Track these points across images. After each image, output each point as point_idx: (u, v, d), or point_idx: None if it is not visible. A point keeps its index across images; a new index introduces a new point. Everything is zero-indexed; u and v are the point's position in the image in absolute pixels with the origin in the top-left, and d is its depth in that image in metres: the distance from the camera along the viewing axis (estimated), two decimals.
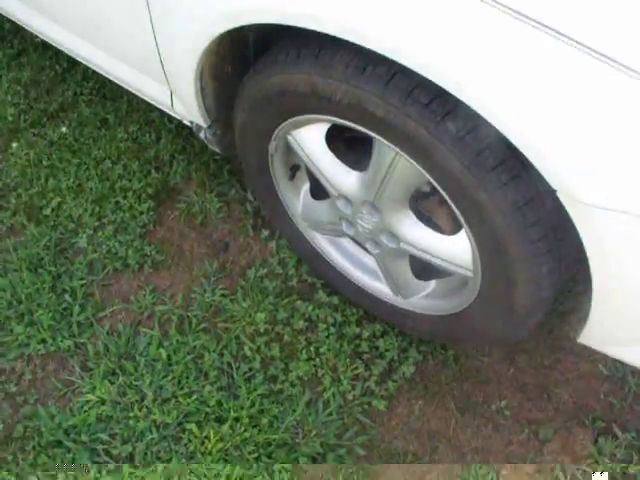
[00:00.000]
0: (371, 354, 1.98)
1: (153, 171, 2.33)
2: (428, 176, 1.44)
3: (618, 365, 1.96)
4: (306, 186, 1.95)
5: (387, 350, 1.98)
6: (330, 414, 1.89)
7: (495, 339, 1.81)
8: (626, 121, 1.11)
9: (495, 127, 1.23)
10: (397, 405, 1.92)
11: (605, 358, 1.97)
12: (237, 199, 2.30)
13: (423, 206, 1.67)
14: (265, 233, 2.22)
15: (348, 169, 1.68)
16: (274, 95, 1.58)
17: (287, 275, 2.15)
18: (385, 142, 1.45)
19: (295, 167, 1.91)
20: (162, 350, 1.96)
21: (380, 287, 1.98)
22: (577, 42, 1.07)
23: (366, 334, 2.00)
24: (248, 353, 1.98)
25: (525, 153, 1.20)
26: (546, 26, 1.08)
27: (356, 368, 1.96)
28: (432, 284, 1.86)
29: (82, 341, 2.01)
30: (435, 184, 1.44)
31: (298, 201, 1.97)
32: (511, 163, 1.32)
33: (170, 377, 1.92)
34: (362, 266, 2.01)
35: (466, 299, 1.71)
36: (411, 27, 1.20)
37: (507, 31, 1.12)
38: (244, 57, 1.82)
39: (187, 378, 1.93)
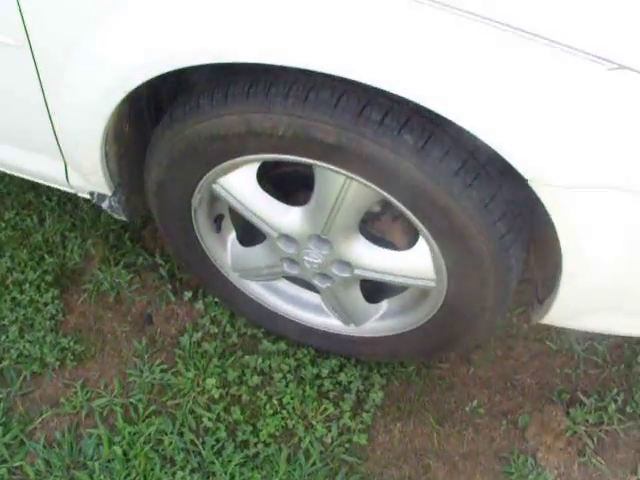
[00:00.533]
0: (336, 390, 1.90)
1: (46, 256, 2.09)
2: (386, 194, 1.40)
3: (562, 337, 2.05)
4: (232, 235, 1.84)
5: (350, 382, 1.91)
6: (314, 464, 1.79)
7: (466, 344, 1.80)
8: (581, 100, 1.16)
9: (454, 129, 1.23)
10: (377, 434, 1.86)
11: (550, 334, 2.05)
12: (147, 266, 2.13)
13: (374, 227, 1.64)
14: (188, 295, 2.07)
15: (286, 206, 1.60)
16: (201, 143, 1.47)
17: (224, 333, 2.01)
18: (334, 169, 1.40)
19: (219, 217, 1.80)
20: (115, 447, 1.75)
21: (328, 321, 1.91)
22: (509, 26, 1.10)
23: (325, 372, 1.92)
24: (209, 424, 1.82)
25: (497, 149, 1.22)
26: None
27: (325, 409, 1.87)
28: (384, 305, 1.82)
29: (17, 464, 1.74)
30: (394, 201, 1.40)
31: (226, 252, 1.85)
32: (472, 163, 1.33)
33: (133, 475, 1.71)
34: (304, 304, 1.93)
35: (428, 310, 1.69)
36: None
37: (447, 28, 1.13)
38: (138, 115, 1.70)
39: (152, 470, 1.73)
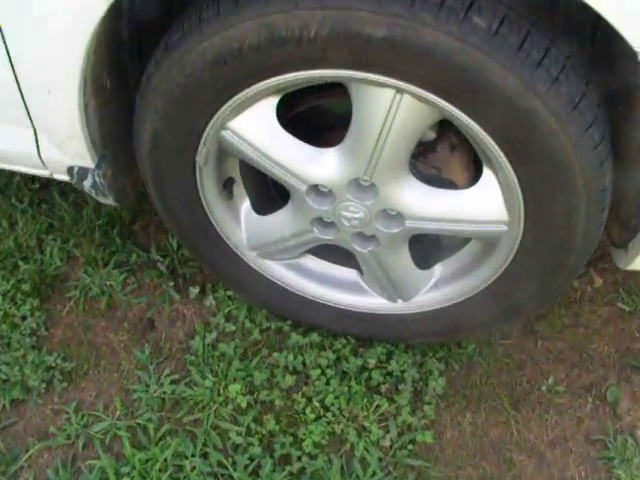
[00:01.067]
0: (388, 383, 1.57)
1: (20, 263, 1.74)
2: (449, 106, 1.10)
3: (634, 297, 1.76)
4: (246, 203, 1.53)
5: (403, 371, 1.58)
6: (374, 474, 1.44)
7: (540, 305, 1.49)
8: None
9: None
10: (444, 430, 1.53)
11: (619, 295, 1.75)
12: (143, 264, 1.79)
13: (427, 163, 1.33)
14: (194, 291, 1.74)
15: (316, 149, 1.30)
16: (207, 69, 1.16)
17: (244, 330, 1.68)
18: (381, 80, 1.10)
19: (229, 182, 1.48)
20: None
21: (369, 301, 1.59)
22: None
23: (371, 362, 1.59)
24: (238, 440, 1.47)
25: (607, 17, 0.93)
26: None
27: (378, 406, 1.53)
28: (436, 270, 1.51)
29: None
30: (458, 114, 1.10)
31: (240, 225, 1.53)
32: (556, 52, 1.05)
33: None
34: (339, 284, 1.61)
35: (495, 267, 1.38)
36: None
37: None
38: (120, 68, 1.39)
39: None
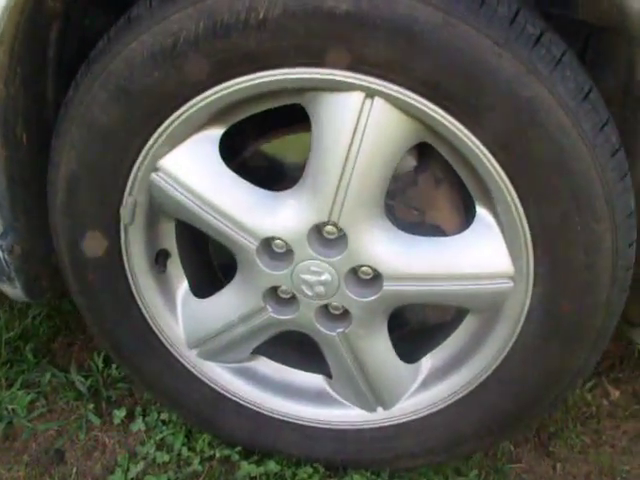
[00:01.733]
0: None
1: None
2: (432, 109, 0.88)
3: None
4: (183, 286, 1.23)
5: None
6: None
7: (556, 399, 1.16)
8: None
9: None
10: None
11: None
12: (58, 385, 1.43)
13: (406, 203, 1.08)
14: (120, 415, 1.37)
15: (271, 192, 1.05)
16: (135, 77, 0.94)
17: (180, 460, 1.29)
18: (346, 79, 0.89)
19: (163, 255, 1.20)
20: None
21: (339, 413, 1.26)
22: None
23: None
24: None
25: None
26: None
27: None
28: (424, 364, 1.20)
29: None
30: (446, 123, 0.89)
31: (175, 314, 1.22)
32: (553, 35, 0.87)
33: None
34: (301, 393, 1.28)
35: (500, 345, 1.09)
36: None
37: None
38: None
39: None
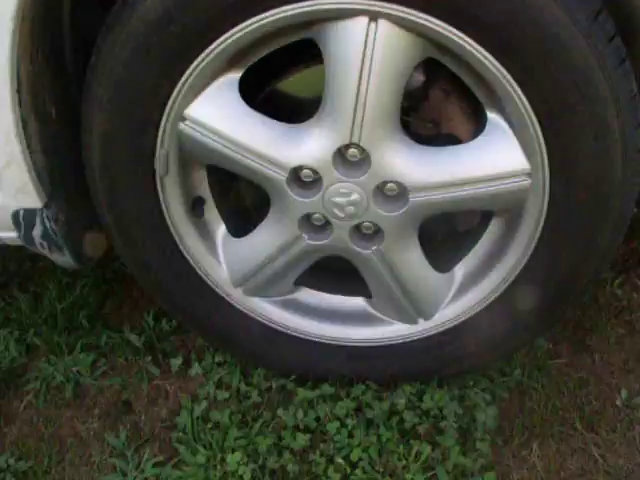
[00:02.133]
0: (426, 422, 1.25)
1: None
2: (434, 23, 0.93)
3: None
4: (222, 228, 1.30)
5: (442, 408, 1.27)
6: None
7: (587, 283, 1.21)
8: None
9: None
10: (509, 470, 1.20)
11: None
12: (115, 345, 1.52)
13: (420, 117, 1.14)
14: (177, 362, 1.45)
15: (292, 125, 1.11)
16: (153, 33, 1.00)
17: (240, 394, 1.38)
18: (351, 5, 0.95)
19: (199, 202, 1.27)
20: None
21: (383, 330, 1.32)
22: None
23: (400, 402, 1.28)
24: None
25: None
26: None
27: (419, 453, 1.20)
28: (457, 272, 1.27)
29: None
30: (449, 35, 0.94)
31: (217, 256, 1.29)
32: None
33: None
34: (344, 316, 1.35)
35: (526, 241, 1.15)
36: None
37: None
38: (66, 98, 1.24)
39: None
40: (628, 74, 1.00)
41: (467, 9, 0.93)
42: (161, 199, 1.20)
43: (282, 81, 1.17)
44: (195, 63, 1.04)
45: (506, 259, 1.20)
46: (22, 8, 1.01)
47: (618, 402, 1.28)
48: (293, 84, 1.17)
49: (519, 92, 0.99)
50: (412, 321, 1.29)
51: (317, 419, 1.29)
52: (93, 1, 1.18)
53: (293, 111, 1.16)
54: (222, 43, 1.02)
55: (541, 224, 1.12)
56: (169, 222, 1.23)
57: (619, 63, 0.97)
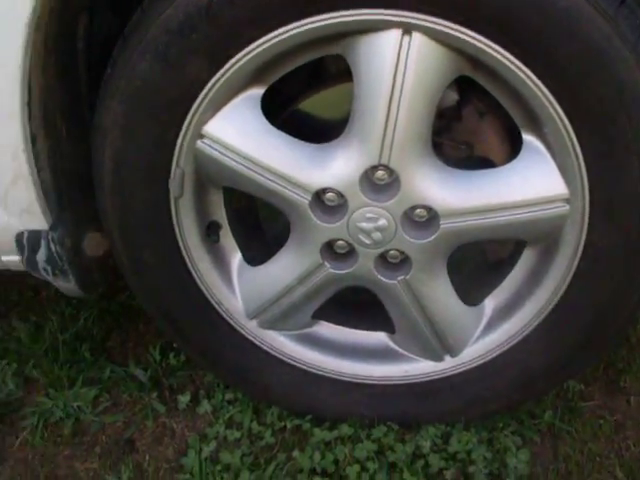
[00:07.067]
0: (453, 466, 1.16)
1: None
2: (471, 36, 0.89)
3: None
4: (237, 257, 1.23)
5: (470, 452, 1.18)
6: None
7: (618, 329, 1.15)
8: None
9: None
10: None
11: None
12: (119, 379, 1.43)
13: (453, 138, 1.08)
14: (184, 399, 1.36)
15: (318, 145, 1.05)
16: (173, 42, 0.95)
17: (251, 435, 1.29)
18: (383, 17, 0.90)
19: (214, 227, 1.21)
20: None
21: (407, 368, 1.24)
22: None
23: (425, 445, 1.20)
24: None
25: None
26: None
27: None
28: (487, 305, 1.20)
29: None
30: (486, 49, 0.89)
31: (232, 286, 1.22)
32: None
33: None
34: (364, 353, 1.27)
35: (560, 276, 1.08)
36: None
37: None
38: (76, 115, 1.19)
39: None
40: None
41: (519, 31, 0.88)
42: (174, 222, 1.13)
43: (305, 100, 1.12)
44: (217, 76, 0.99)
45: (539, 292, 1.13)
46: (37, 16, 0.96)
47: None
48: (317, 103, 1.12)
49: (559, 110, 0.94)
50: (438, 358, 1.21)
51: (335, 462, 1.20)
52: (110, 14, 1.14)
53: (317, 131, 1.11)
54: (248, 54, 0.97)
55: (579, 255, 1.06)
56: (182, 247, 1.16)
57: None
